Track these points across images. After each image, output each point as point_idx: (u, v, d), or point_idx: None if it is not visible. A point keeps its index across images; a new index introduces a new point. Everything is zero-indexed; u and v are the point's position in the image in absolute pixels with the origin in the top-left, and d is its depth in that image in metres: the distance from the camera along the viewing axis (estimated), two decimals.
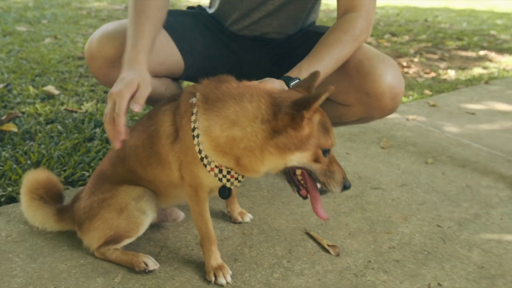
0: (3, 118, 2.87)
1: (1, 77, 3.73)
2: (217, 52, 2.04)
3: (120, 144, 1.45)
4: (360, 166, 2.55)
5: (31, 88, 3.46)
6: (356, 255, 1.78)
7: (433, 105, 3.75)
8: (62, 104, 3.24)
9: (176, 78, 2.04)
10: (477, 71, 5.24)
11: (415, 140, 2.98)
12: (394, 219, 2.04)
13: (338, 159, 2.57)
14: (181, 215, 1.87)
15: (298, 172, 1.42)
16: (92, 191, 1.66)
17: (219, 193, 1.60)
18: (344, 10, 1.80)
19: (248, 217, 1.94)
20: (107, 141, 2.66)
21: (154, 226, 1.86)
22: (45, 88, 3.48)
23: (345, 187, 1.40)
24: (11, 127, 2.74)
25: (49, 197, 1.74)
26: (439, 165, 2.61)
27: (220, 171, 1.46)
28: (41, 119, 2.92)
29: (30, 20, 6.55)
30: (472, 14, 11.65)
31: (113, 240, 1.61)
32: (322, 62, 1.66)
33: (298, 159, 1.34)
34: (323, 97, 1.26)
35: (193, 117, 1.43)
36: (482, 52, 6.35)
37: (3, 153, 2.42)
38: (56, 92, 3.45)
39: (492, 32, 8.36)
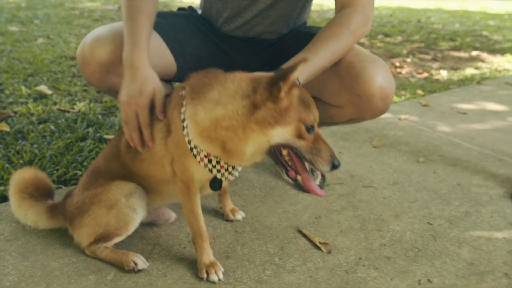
0: None
1: None
2: (208, 53, 2.04)
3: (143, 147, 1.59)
4: (352, 165, 2.56)
5: (23, 88, 3.45)
6: (347, 252, 1.79)
7: (425, 105, 3.78)
8: (55, 104, 3.23)
9: (168, 80, 2.04)
10: (469, 71, 5.28)
11: (407, 139, 3.00)
12: (386, 217, 2.06)
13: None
14: (173, 216, 1.88)
15: (285, 152, 1.43)
16: (85, 187, 1.66)
17: (210, 185, 1.59)
18: (341, 6, 1.80)
19: (240, 215, 1.95)
20: (99, 140, 2.66)
21: (146, 225, 1.87)
22: (37, 88, 3.47)
23: (334, 165, 1.40)
24: (3, 127, 2.73)
25: (39, 193, 1.74)
26: (430, 164, 2.64)
27: (210, 161, 1.47)
28: (34, 118, 2.91)
29: (22, 20, 6.53)
30: (464, 15, 11.73)
31: (103, 238, 1.61)
32: (317, 56, 1.67)
33: (280, 134, 1.34)
34: (299, 68, 1.29)
35: (182, 109, 1.46)
36: (474, 53, 6.40)
37: None
38: (48, 92, 3.45)
39: (485, 33, 8.43)
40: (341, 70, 1.80)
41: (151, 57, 1.84)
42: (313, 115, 1.39)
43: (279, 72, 1.32)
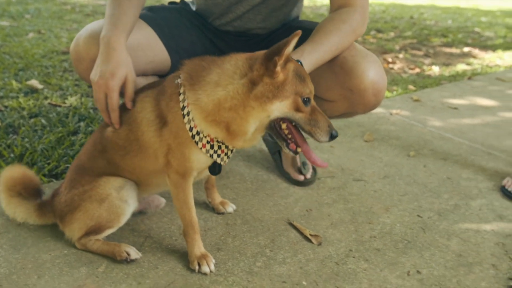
0: None
1: None
2: (202, 48, 2.04)
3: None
4: (344, 158, 2.58)
5: (14, 82, 3.43)
6: (337, 244, 1.81)
7: (417, 100, 3.80)
8: (46, 98, 3.22)
9: (162, 76, 2.04)
10: (460, 67, 5.32)
11: (398, 134, 3.02)
12: (376, 209, 2.08)
13: (322, 152, 2.61)
14: (163, 201, 1.89)
15: (284, 126, 1.46)
16: (72, 185, 1.66)
17: (210, 170, 1.61)
18: (339, 5, 1.81)
19: (230, 207, 1.96)
20: (91, 134, 2.65)
21: (138, 217, 1.88)
22: (28, 82, 3.45)
23: (332, 135, 1.44)
24: None
25: (28, 193, 1.72)
26: (421, 158, 2.66)
27: (212, 146, 1.49)
28: (25, 113, 2.90)
29: (13, 14, 6.47)
30: (457, 12, 11.78)
31: (94, 230, 1.61)
32: (322, 47, 1.69)
33: (279, 108, 1.38)
34: (293, 42, 1.33)
35: (180, 97, 1.46)
36: (466, 49, 6.44)
37: None
38: (39, 86, 3.43)
39: (477, 29, 8.48)
40: (334, 65, 1.81)
41: (146, 54, 1.84)
42: (309, 88, 1.42)
43: (273, 47, 1.35)
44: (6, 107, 3.00)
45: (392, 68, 5.00)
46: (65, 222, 1.65)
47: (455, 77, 4.79)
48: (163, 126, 1.51)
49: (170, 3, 2.21)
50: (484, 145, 2.92)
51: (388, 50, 5.88)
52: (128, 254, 1.60)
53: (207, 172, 1.72)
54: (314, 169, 2.35)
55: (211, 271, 1.58)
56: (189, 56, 1.98)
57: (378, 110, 3.44)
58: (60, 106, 3.10)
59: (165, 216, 1.91)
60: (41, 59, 4.21)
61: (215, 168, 1.60)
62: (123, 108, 1.62)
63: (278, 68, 1.35)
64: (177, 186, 1.58)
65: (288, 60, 1.38)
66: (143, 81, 1.88)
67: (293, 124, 1.45)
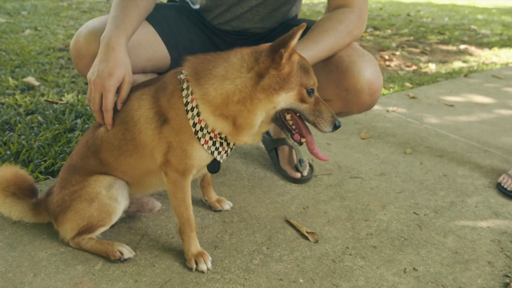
0: None
1: None
2: (201, 46, 2.04)
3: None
4: (340, 156, 2.58)
5: (10, 79, 3.42)
6: (334, 241, 1.81)
7: (413, 97, 3.81)
8: (43, 95, 3.21)
9: (161, 73, 2.03)
10: (457, 64, 5.33)
11: (394, 131, 3.03)
12: (372, 207, 2.08)
13: (319, 149, 2.61)
14: (157, 205, 1.88)
15: (288, 117, 1.48)
16: (63, 185, 1.65)
17: (209, 168, 1.62)
18: (337, 5, 1.81)
19: (227, 205, 1.96)
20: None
21: (135, 215, 1.87)
22: (25, 79, 3.44)
23: (336, 125, 1.47)
24: None
25: (22, 192, 1.71)
26: (417, 155, 2.66)
27: (214, 143, 1.49)
28: (21, 110, 2.89)
29: (9, 11, 6.44)
30: (453, 9, 11.79)
31: (86, 230, 1.61)
32: (317, 46, 1.69)
33: (285, 99, 1.41)
34: (298, 33, 1.35)
35: (184, 93, 1.46)
36: (462, 46, 6.45)
37: None
38: (36, 83, 3.42)
39: (473, 26, 8.49)
40: (330, 64, 1.80)
41: (146, 51, 1.84)
42: (313, 79, 1.44)
43: (279, 40, 1.36)
44: (2, 104, 2.99)
45: (389, 66, 5.00)
46: (58, 222, 1.65)
47: (452, 75, 4.80)
48: (163, 123, 1.50)
49: (170, 1, 2.20)
50: (480, 142, 2.93)
51: (385, 47, 5.88)
52: (122, 254, 1.59)
53: (202, 171, 1.72)
54: (311, 166, 2.35)
55: (208, 269, 1.58)
56: (188, 53, 1.98)
57: (375, 107, 3.45)
58: (56, 103, 3.09)
59: (162, 214, 1.91)
60: (37, 56, 4.19)
61: (214, 166, 1.61)
62: (116, 109, 1.62)
63: (284, 60, 1.37)
64: (176, 185, 1.57)
65: (292, 52, 1.40)
66: (142, 78, 1.88)
67: (298, 115, 1.48)
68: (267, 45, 1.42)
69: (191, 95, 1.45)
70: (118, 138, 1.59)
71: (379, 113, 3.34)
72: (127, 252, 1.61)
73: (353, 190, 2.21)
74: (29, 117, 2.80)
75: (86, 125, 2.72)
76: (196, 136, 1.47)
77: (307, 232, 1.83)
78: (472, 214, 2.08)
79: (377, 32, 7.01)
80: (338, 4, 1.80)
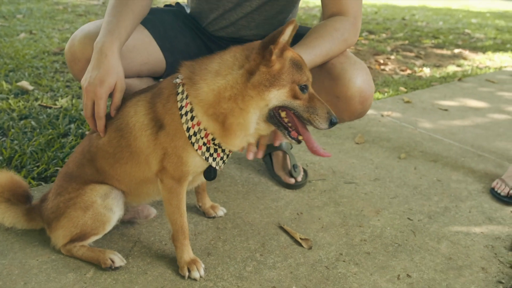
0: None
1: None
2: (196, 50, 2.03)
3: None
4: (335, 161, 2.58)
5: (4, 84, 3.40)
6: (328, 248, 1.81)
7: (408, 102, 3.82)
8: (36, 99, 3.19)
9: (157, 78, 2.03)
10: (451, 68, 5.35)
11: (389, 135, 3.03)
12: (366, 212, 2.08)
13: (313, 154, 2.61)
14: (153, 212, 1.87)
15: (283, 114, 1.44)
16: (58, 192, 1.64)
17: (205, 175, 1.60)
18: (332, 13, 1.80)
19: (221, 211, 1.95)
20: (81, 136, 2.64)
21: (127, 222, 1.86)
22: (19, 84, 3.42)
23: (332, 122, 1.43)
24: None
25: (16, 198, 1.70)
26: (411, 160, 2.67)
27: (208, 149, 1.48)
28: (15, 114, 2.87)
29: (4, 14, 6.42)
30: (448, 13, 11.85)
31: (79, 237, 1.60)
32: (313, 51, 1.68)
33: (277, 96, 1.38)
34: (287, 30, 1.34)
35: (179, 97, 1.45)
36: (456, 50, 6.48)
37: None
38: (30, 87, 3.40)
39: (467, 30, 8.54)
40: (321, 71, 1.80)
41: (141, 54, 1.83)
42: (306, 76, 1.42)
43: (269, 36, 1.36)
44: None
45: (383, 70, 5.02)
46: (51, 228, 1.64)
47: (446, 79, 4.82)
48: (158, 129, 1.49)
49: (166, 5, 2.20)
50: (474, 147, 2.93)
51: (380, 51, 5.90)
52: (113, 262, 1.58)
53: (199, 180, 1.72)
54: (305, 171, 2.35)
55: (201, 276, 1.58)
56: (184, 57, 1.98)
57: (369, 111, 3.45)
58: (50, 107, 3.07)
59: (155, 221, 1.90)
60: (32, 59, 4.17)
61: (210, 173, 1.59)
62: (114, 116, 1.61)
63: (274, 57, 1.36)
64: (171, 192, 1.56)
65: (284, 48, 1.39)
66: (137, 83, 1.87)
67: (292, 112, 1.45)
68: (259, 41, 1.41)
69: (186, 99, 1.44)
70: (113, 146, 1.58)
71: (374, 118, 3.34)
72: (118, 260, 1.60)
73: (347, 196, 2.21)
74: (22, 121, 2.79)
75: (80, 130, 2.70)
76: (190, 141, 1.46)
77: (300, 238, 1.82)
78: (466, 220, 2.08)
79: (372, 36, 7.03)
80: (333, 12, 1.80)
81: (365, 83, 1.78)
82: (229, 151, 1.55)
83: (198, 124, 1.44)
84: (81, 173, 1.65)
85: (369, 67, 5.05)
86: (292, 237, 1.85)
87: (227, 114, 1.42)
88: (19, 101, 3.10)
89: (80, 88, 3.53)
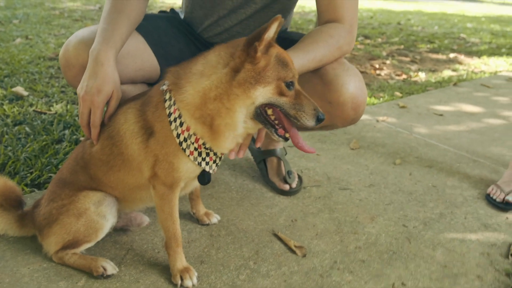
0: None
1: None
2: (190, 56, 2.01)
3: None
4: (330, 167, 2.57)
5: None
6: (322, 255, 1.79)
7: (403, 107, 3.82)
8: (31, 105, 3.18)
9: (151, 84, 2.02)
10: (447, 73, 5.36)
11: (384, 141, 3.02)
12: (361, 219, 2.07)
13: (308, 160, 2.61)
14: (146, 219, 1.86)
15: (270, 112, 1.43)
16: (51, 198, 1.63)
17: (199, 179, 1.59)
18: (327, 20, 1.79)
19: (215, 218, 1.94)
20: (76, 142, 2.62)
21: (120, 230, 1.85)
22: (13, 89, 3.41)
23: (319, 118, 1.41)
24: None
25: (9, 204, 1.69)
26: (406, 166, 2.66)
27: (200, 153, 1.47)
28: (9, 120, 2.86)
29: (0, 19, 6.41)
30: (443, 18, 11.90)
31: (71, 245, 1.59)
32: (306, 55, 1.67)
33: (263, 94, 1.37)
34: (272, 26, 1.32)
35: (167, 103, 1.45)
36: (452, 55, 6.50)
37: None
38: (25, 93, 3.39)
39: (462, 35, 8.57)
40: (314, 76, 1.79)
41: (135, 61, 1.82)
42: (292, 72, 1.41)
43: (253, 33, 1.34)
44: None
45: (379, 74, 5.02)
46: (43, 235, 1.62)
47: (441, 83, 4.83)
48: (149, 137, 1.49)
49: (161, 11, 2.20)
50: (469, 152, 2.93)
51: (375, 56, 5.91)
52: (105, 269, 1.57)
53: (193, 186, 1.71)
54: (299, 178, 2.34)
55: (193, 285, 1.56)
56: (178, 63, 1.97)
57: (364, 117, 3.45)
58: (45, 113, 3.06)
59: (148, 228, 1.89)
60: (27, 65, 4.16)
61: (204, 178, 1.58)
62: (105, 123, 1.60)
63: (259, 54, 1.35)
64: (163, 198, 1.55)
65: (270, 45, 1.38)
66: (132, 89, 1.86)
67: (279, 109, 1.43)
68: (244, 38, 1.40)
69: (174, 105, 1.43)
70: (106, 153, 1.57)
71: (369, 123, 3.34)
72: (111, 268, 1.58)
73: (342, 202, 2.20)
74: (16, 127, 2.77)
75: (74, 136, 2.69)
76: (181, 147, 1.46)
77: (295, 246, 1.81)
78: (461, 226, 2.07)
79: (367, 41, 7.05)
80: (329, 19, 1.79)
81: (357, 89, 1.77)
82: (221, 153, 1.54)
83: (188, 129, 1.43)
84: (75, 180, 1.64)
85: (365, 72, 5.05)
86: (286, 245, 1.84)
87: (214, 115, 1.40)
88: (14, 107, 3.08)
89: (75, 93, 3.52)
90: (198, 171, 1.55)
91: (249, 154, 2.56)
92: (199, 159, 1.48)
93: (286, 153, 2.37)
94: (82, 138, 2.67)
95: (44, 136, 2.65)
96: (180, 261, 1.60)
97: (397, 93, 4.24)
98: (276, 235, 1.90)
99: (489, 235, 2.02)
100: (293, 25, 7.88)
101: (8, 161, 2.34)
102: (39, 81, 3.75)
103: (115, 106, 1.59)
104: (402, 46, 6.82)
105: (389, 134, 3.16)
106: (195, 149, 1.46)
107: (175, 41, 1.99)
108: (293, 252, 1.80)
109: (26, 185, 2.16)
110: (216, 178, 2.33)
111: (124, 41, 1.67)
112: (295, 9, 10.60)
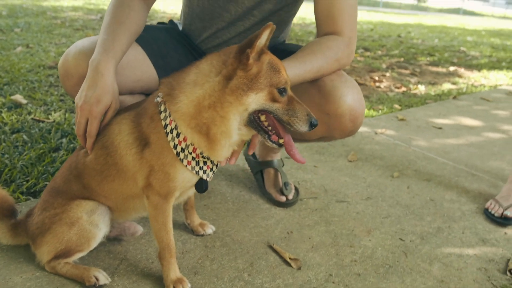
0: None
1: None
2: None
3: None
4: (327, 179, 2.56)
5: None
6: (317, 268, 1.78)
7: (402, 119, 3.81)
8: (30, 113, 3.18)
9: (149, 95, 2.02)
10: (446, 86, 5.37)
11: (382, 153, 3.02)
12: (358, 232, 2.05)
13: (305, 172, 2.60)
14: (139, 229, 1.85)
15: (263, 118, 1.43)
16: (44, 207, 1.62)
17: (196, 188, 1.59)
18: (325, 34, 1.79)
19: (210, 229, 1.93)
20: (73, 151, 2.61)
21: (114, 239, 1.83)
22: (12, 97, 3.41)
23: (312, 124, 1.41)
24: None
25: (1, 213, 1.67)
26: (404, 179, 2.65)
27: (197, 163, 1.47)
28: (7, 128, 2.85)
29: (2, 28, 6.44)
30: (443, 31, 11.95)
31: (63, 254, 1.57)
32: (304, 66, 1.67)
33: (255, 100, 1.37)
34: (264, 33, 1.33)
35: (162, 115, 1.44)
36: (452, 68, 6.51)
37: None
38: (24, 101, 3.39)
39: (462, 48, 8.60)
40: (312, 87, 1.79)
41: (134, 72, 1.82)
42: (284, 78, 1.41)
43: (245, 40, 1.35)
44: None
45: (378, 87, 5.03)
46: (36, 244, 1.61)
47: (441, 96, 4.83)
48: (144, 147, 1.48)
49: (159, 23, 2.20)
50: (468, 166, 2.92)
51: (375, 68, 5.93)
52: (97, 279, 1.56)
53: (187, 195, 1.70)
54: (296, 189, 2.33)
55: None
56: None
57: (363, 129, 3.45)
58: (43, 121, 3.05)
59: (143, 238, 1.87)
60: (27, 73, 4.17)
61: (202, 186, 1.58)
62: (100, 133, 1.60)
63: (251, 61, 1.35)
64: (157, 208, 1.54)
65: (262, 52, 1.38)
66: (130, 99, 1.86)
67: (272, 115, 1.43)
68: (236, 46, 1.40)
69: (169, 116, 1.43)
70: (100, 163, 1.57)
71: (368, 135, 3.34)
72: (103, 278, 1.57)
73: (339, 215, 2.19)
74: (14, 135, 2.76)
75: (72, 145, 2.68)
76: (179, 158, 1.45)
77: (290, 258, 1.80)
78: (459, 241, 2.06)
79: (367, 53, 7.07)
80: (328, 32, 1.78)
81: (355, 101, 1.77)
82: (218, 161, 1.53)
83: (185, 140, 1.43)
84: (68, 189, 1.63)
85: (364, 84, 5.06)
86: (281, 257, 1.82)
87: (209, 124, 1.41)
88: (12, 115, 3.08)
89: (73, 102, 3.51)
90: (194, 180, 1.54)
91: (246, 165, 2.55)
92: (197, 168, 1.48)
93: (283, 165, 2.36)
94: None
95: (42, 144, 2.65)
96: (174, 272, 1.59)
97: (396, 106, 4.25)
98: (271, 247, 1.88)
99: (487, 250, 2.00)
100: (293, 37, 7.91)
101: (4, 168, 2.33)
102: (38, 90, 3.75)
103: (111, 116, 1.60)
104: (402, 59, 6.84)
105: (387, 146, 3.15)
106: (193, 158, 1.46)
107: (174, 52, 2.00)
108: (288, 264, 1.78)
109: (21, 193, 2.15)
110: (213, 188, 2.32)
111: (124, 52, 1.68)
112: (296, 21, 10.67)
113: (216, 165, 1.55)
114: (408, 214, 2.25)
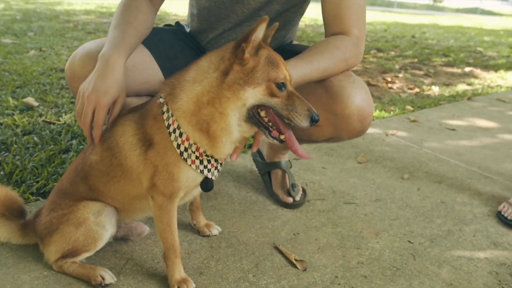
0: None
1: None
2: None
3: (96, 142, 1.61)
4: (336, 180, 2.54)
5: (10, 100, 3.44)
6: (323, 270, 1.76)
7: (414, 121, 3.77)
8: (41, 115, 3.22)
9: None
10: (461, 87, 5.29)
11: (393, 155, 2.98)
12: (365, 234, 2.03)
13: (314, 173, 2.58)
14: (146, 229, 1.85)
15: (263, 114, 1.42)
16: (52, 208, 1.64)
17: (202, 186, 1.59)
18: (333, 34, 1.78)
19: (216, 230, 1.93)
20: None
21: (121, 239, 1.84)
22: (24, 100, 3.45)
23: (313, 119, 1.39)
24: None
25: (11, 213, 1.70)
26: (415, 181, 2.61)
27: (201, 161, 1.47)
28: (18, 130, 2.89)
29: (16, 32, 6.54)
30: (460, 31, 11.80)
31: (70, 253, 1.59)
32: (310, 66, 1.66)
33: (253, 95, 1.37)
34: (259, 28, 1.33)
35: (165, 115, 1.45)
36: (467, 69, 6.42)
37: None
38: (35, 103, 3.43)
39: (479, 48, 8.48)
40: (319, 88, 1.78)
41: (141, 74, 1.83)
42: (283, 73, 1.40)
43: (242, 35, 1.36)
44: (0, 124, 3.00)
45: (391, 88, 4.98)
46: (44, 243, 1.63)
47: (455, 98, 4.76)
48: (148, 148, 1.49)
49: (166, 25, 2.21)
50: (481, 168, 2.87)
51: (388, 69, 5.87)
52: (103, 279, 1.57)
53: (192, 195, 1.70)
54: (304, 191, 2.31)
55: None
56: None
57: (373, 130, 3.42)
58: (54, 123, 3.09)
59: (149, 238, 1.88)
60: (39, 76, 4.23)
61: (207, 184, 1.58)
62: (103, 134, 1.61)
63: (247, 55, 1.35)
64: (162, 208, 1.55)
65: (260, 47, 1.38)
66: (136, 101, 1.87)
67: (271, 110, 1.41)
68: (233, 42, 1.40)
69: (172, 116, 1.43)
70: (106, 164, 1.58)
71: (378, 137, 3.30)
72: (109, 278, 1.58)
73: (347, 216, 2.17)
74: (25, 137, 2.80)
75: (81, 146, 2.71)
76: (182, 157, 1.45)
77: (295, 259, 1.78)
78: (470, 244, 2.02)
79: (380, 54, 7.02)
80: (336, 32, 1.77)
81: (364, 102, 1.74)
82: (221, 159, 1.53)
83: (188, 139, 1.43)
84: (74, 190, 1.65)
85: (376, 85, 5.02)
86: (287, 258, 1.81)
87: (209, 121, 1.41)
88: (24, 117, 3.12)
89: None
90: (199, 179, 1.54)
91: (254, 166, 2.55)
92: (201, 167, 1.49)
93: (291, 166, 2.35)
94: None
95: (52, 146, 2.67)
96: (179, 272, 1.58)
97: (409, 107, 4.20)
98: (277, 248, 1.87)
99: (499, 254, 1.96)
100: (305, 38, 7.89)
101: (15, 170, 2.36)
102: (49, 92, 3.80)
103: (118, 110, 1.60)
104: (416, 60, 6.77)
105: (398, 148, 3.11)
106: (197, 157, 1.46)
107: (181, 54, 2.00)
108: (294, 265, 1.76)
109: (32, 193, 2.17)
110: (220, 189, 2.32)
111: (132, 50, 1.69)
112: (308, 22, 10.64)
113: (221, 163, 1.55)
114: (418, 216, 2.22)
